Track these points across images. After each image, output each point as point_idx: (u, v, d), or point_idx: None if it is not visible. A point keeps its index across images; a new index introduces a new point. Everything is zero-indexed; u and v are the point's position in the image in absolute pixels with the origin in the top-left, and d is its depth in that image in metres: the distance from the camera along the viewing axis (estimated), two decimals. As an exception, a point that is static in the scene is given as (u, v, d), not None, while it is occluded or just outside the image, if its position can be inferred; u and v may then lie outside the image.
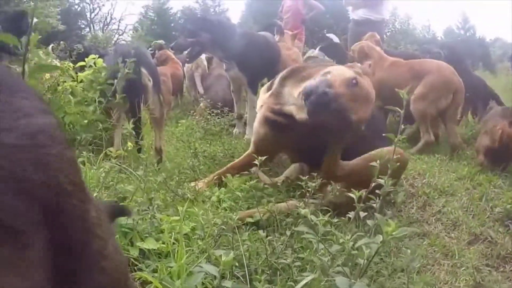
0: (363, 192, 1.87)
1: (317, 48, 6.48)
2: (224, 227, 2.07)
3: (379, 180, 1.87)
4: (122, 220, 1.88)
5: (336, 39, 7.64)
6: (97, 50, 6.56)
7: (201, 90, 6.95)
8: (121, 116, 3.70)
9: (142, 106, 3.68)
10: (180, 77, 7.19)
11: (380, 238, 1.50)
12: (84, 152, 2.67)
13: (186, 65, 7.29)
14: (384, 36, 9.14)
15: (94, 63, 3.98)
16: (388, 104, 5.22)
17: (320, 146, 2.73)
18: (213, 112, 5.05)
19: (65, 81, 4.00)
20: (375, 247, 1.53)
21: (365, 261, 1.56)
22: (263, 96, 3.14)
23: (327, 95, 2.40)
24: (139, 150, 3.46)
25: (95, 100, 3.70)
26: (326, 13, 17.13)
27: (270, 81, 3.25)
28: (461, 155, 4.49)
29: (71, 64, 4.50)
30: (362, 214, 1.87)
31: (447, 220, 2.78)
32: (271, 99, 2.98)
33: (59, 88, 3.98)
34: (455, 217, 2.80)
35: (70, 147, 0.83)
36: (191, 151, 3.66)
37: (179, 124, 5.38)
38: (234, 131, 5.14)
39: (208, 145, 4.26)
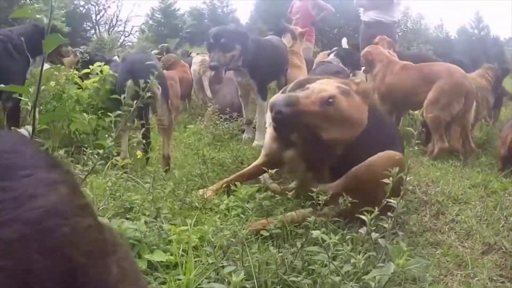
0: (374, 211, 1.89)
1: (332, 54, 6.46)
2: (233, 239, 2.09)
3: (391, 201, 1.88)
4: (130, 232, 1.90)
5: (345, 45, 7.64)
6: (102, 56, 6.57)
7: (209, 94, 6.97)
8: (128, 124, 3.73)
9: (151, 114, 3.73)
10: (188, 81, 7.20)
11: (391, 268, 1.52)
12: (90, 162, 2.69)
13: (193, 68, 7.33)
14: (396, 37, 9.14)
15: (101, 71, 4.03)
16: (399, 108, 5.31)
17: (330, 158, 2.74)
18: (221, 117, 5.07)
19: (69, 89, 4.06)
20: (386, 278, 1.55)
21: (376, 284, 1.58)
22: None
23: (282, 113, 2.43)
24: (147, 159, 3.50)
25: (101, 108, 3.75)
26: (337, 13, 17.18)
27: (280, 92, 3.25)
28: (475, 161, 4.49)
29: (76, 72, 4.56)
30: (374, 235, 1.88)
31: (460, 229, 2.77)
32: None
33: (64, 95, 4.03)
34: (469, 226, 2.80)
35: (85, 209, 0.81)
36: (200, 158, 3.68)
37: (187, 129, 5.41)
38: (243, 136, 5.13)
39: (216, 151, 4.29)
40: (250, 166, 3.31)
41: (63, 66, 4.58)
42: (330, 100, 2.51)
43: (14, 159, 0.76)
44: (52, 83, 4.10)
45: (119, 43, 30.36)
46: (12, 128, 2.71)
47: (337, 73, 4.87)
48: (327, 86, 2.63)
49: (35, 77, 4.73)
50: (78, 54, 6.12)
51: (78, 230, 0.76)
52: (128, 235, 1.91)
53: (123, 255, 0.92)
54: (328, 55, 6.63)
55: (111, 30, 36.92)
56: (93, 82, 4.05)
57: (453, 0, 51.34)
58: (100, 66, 4.12)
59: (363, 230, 1.95)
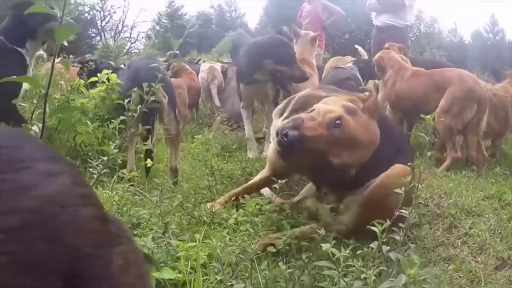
0: (386, 224, 1.90)
1: (350, 62, 6.43)
2: (242, 256, 2.12)
3: (402, 211, 1.91)
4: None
5: (363, 53, 7.61)
6: (108, 63, 6.58)
7: (217, 102, 6.99)
8: (134, 139, 3.77)
9: (158, 124, 3.74)
10: (196, 89, 7.20)
11: (402, 279, 1.54)
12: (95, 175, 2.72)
13: (201, 76, 7.38)
14: (409, 42, 9.09)
15: (107, 79, 4.07)
16: (409, 116, 5.30)
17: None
18: (230, 127, 5.10)
19: (73, 99, 4.11)
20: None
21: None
22: (276, 123, 3.13)
23: (287, 137, 2.36)
24: (148, 170, 3.50)
25: (108, 118, 3.78)
26: (347, 17, 17.19)
27: (283, 104, 3.21)
28: (489, 171, 4.51)
29: (82, 81, 4.59)
30: (385, 248, 1.89)
31: (473, 244, 2.79)
32: None
33: (70, 105, 4.07)
34: (482, 240, 2.81)
35: (87, 198, 0.84)
36: (208, 169, 3.71)
37: (195, 139, 5.45)
38: (248, 154, 4.83)
39: (225, 162, 4.33)
40: (257, 178, 3.33)
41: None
42: (337, 122, 2.44)
43: (14, 153, 0.81)
44: (57, 94, 4.14)
45: (125, 50, 30.44)
46: (23, 125, 2.72)
47: (347, 80, 4.85)
48: (333, 106, 2.56)
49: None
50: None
51: (79, 218, 0.80)
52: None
53: (128, 248, 0.95)
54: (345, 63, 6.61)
55: (117, 36, 37.08)
56: (99, 91, 4.09)
57: (468, 1, 50.99)
58: (107, 74, 4.15)
59: (374, 245, 1.96)
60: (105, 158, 2.35)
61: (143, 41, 36.99)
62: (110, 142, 3.50)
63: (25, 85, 3.91)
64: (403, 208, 1.98)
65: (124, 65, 10.01)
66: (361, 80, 5.50)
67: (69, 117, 3.91)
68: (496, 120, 5.10)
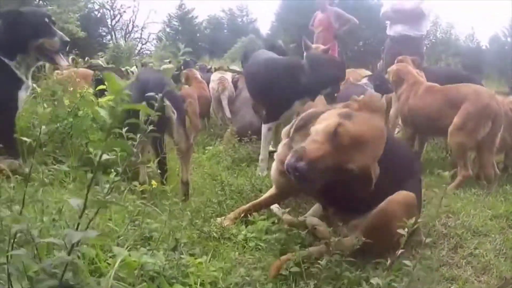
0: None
1: (365, 77, 6.53)
2: (247, 278, 2.27)
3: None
4: (150, 265, 2.08)
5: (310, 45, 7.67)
6: (117, 69, 6.72)
7: (228, 113, 7.12)
8: (146, 148, 3.92)
9: (167, 139, 3.88)
10: (207, 99, 7.33)
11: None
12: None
13: (211, 86, 7.53)
14: (424, 50, 9.05)
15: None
16: (421, 132, 5.37)
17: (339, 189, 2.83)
18: (241, 140, 5.21)
19: (84, 107, 4.27)
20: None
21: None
22: (282, 142, 3.22)
23: (298, 171, 2.44)
24: (162, 183, 3.65)
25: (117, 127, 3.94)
26: (361, 24, 17.28)
27: (291, 124, 3.24)
28: (499, 189, 4.61)
29: (91, 90, 4.73)
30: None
31: (477, 264, 2.89)
32: (283, 150, 3.05)
33: (80, 113, 4.23)
34: (487, 260, 2.91)
35: None
36: (218, 184, 3.86)
37: (206, 151, 5.59)
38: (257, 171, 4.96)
39: (235, 175, 4.47)
40: (266, 195, 3.46)
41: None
42: (336, 130, 2.51)
43: None
44: (67, 101, 4.29)
45: (136, 51, 30.76)
46: None
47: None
48: (329, 120, 2.64)
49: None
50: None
51: None
52: (147, 267, 2.09)
53: None
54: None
55: (127, 36, 37.44)
56: (108, 100, 4.25)
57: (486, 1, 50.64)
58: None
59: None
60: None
61: (154, 42, 37.40)
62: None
63: (22, 95, 3.91)
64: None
65: (137, 67, 10.15)
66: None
67: (80, 123, 4.08)
68: (510, 134, 5.17)
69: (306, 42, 5.57)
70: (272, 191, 3.41)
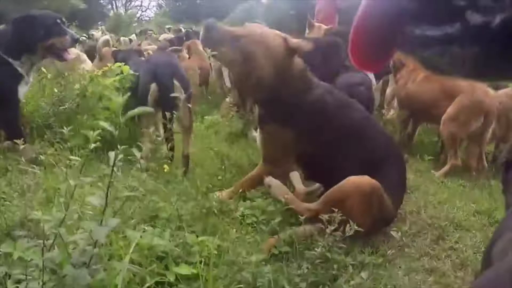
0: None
1: None
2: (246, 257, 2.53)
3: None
4: (160, 246, 2.32)
5: None
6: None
7: (228, 83, 7.25)
8: (151, 123, 4.18)
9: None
10: (207, 69, 7.48)
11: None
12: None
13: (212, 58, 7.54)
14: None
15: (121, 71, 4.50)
16: (416, 116, 5.58)
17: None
18: (238, 111, 5.40)
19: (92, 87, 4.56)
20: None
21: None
22: None
23: None
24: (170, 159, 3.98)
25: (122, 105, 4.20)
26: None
27: None
28: (486, 182, 4.83)
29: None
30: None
31: (456, 258, 3.11)
32: None
33: (88, 93, 4.52)
34: (465, 256, 3.12)
35: None
36: (217, 159, 4.12)
37: (205, 120, 5.79)
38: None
39: (234, 146, 4.70)
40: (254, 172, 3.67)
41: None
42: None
43: None
44: (77, 86, 4.54)
45: (136, 18, 30.61)
46: None
47: (358, 86, 4.95)
48: None
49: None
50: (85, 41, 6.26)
51: None
52: (157, 248, 2.32)
53: None
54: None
55: (128, 4, 37.08)
56: (114, 81, 4.50)
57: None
58: (120, 66, 4.59)
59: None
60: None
61: (154, 9, 37.07)
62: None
63: (22, 89, 4.22)
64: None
65: (136, 35, 10.32)
66: (374, 83, 5.75)
67: (87, 103, 4.33)
68: (500, 126, 5.37)
69: (310, 21, 5.73)
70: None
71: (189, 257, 2.44)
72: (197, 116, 5.96)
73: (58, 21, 4.26)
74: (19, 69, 4.14)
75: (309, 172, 3.55)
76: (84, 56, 7.69)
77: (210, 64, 7.76)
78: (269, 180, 3.40)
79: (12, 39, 4.09)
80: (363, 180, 2.96)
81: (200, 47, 7.47)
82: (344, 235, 2.61)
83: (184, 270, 2.31)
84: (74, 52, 6.58)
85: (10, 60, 4.09)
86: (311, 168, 3.51)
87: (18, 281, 1.84)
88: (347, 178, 2.97)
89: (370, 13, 0.62)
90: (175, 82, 4.01)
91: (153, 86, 4.02)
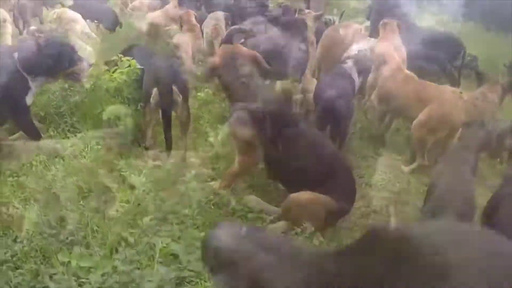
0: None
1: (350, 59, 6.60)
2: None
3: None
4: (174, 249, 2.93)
5: None
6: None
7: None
8: (153, 117, 4.89)
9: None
10: (200, 44, 7.77)
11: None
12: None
13: (205, 31, 7.87)
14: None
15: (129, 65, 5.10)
16: (393, 112, 5.99)
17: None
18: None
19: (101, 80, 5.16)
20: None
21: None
22: None
23: None
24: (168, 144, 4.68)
25: (128, 98, 4.98)
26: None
27: None
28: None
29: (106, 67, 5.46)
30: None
31: None
32: None
33: (96, 85, 5.18)
34: None
35: None
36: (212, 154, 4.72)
37: (198, 97, 6.16)
38: None
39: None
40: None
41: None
42: None
43: None
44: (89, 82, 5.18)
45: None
46: None
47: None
48: None
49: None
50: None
51: None
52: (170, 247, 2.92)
53: None
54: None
55: None
56: (121, 74, 5.08)
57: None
58: (128, 60, 5.14)
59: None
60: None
61: None
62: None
63: (30, 98, 4.76)
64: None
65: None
66: (357, 78, 6.00)
67: (94, 93, 5.06)
68: None
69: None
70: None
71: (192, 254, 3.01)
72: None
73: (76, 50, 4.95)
74: (31, 84, 4.71)
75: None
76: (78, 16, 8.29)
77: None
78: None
79: (36, 63, 4.65)
80: (300, 195, 3.79)
81: (193, 19, 7.74)
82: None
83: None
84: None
85: (26, 75, 4.65)
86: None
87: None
88: (288, 196, 3.87)
89: None
90: (174, 88, 4.70)
91: (154, 91, 4.68)
